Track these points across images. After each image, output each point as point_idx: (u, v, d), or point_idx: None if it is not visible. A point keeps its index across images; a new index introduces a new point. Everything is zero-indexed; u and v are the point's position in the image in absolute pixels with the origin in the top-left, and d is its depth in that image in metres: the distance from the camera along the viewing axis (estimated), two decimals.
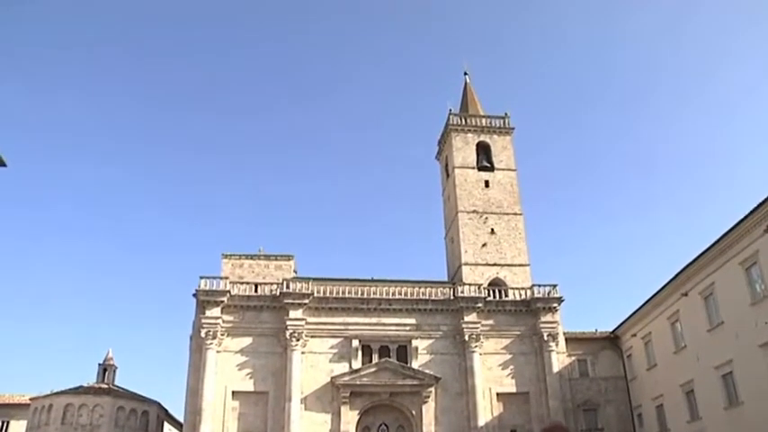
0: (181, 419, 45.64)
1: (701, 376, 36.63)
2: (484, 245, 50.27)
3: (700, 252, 35.91)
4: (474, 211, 51.82)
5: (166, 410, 52.75)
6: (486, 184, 53.39)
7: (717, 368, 34.86)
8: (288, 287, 43.94)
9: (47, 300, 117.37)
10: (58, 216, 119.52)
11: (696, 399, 37.59)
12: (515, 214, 52.37)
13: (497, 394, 44.15)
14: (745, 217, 31.60)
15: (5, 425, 55.56)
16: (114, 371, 51.22)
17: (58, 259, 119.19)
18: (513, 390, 44.54)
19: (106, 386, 49.08)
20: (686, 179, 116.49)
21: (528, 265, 50.36)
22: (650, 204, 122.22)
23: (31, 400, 49.27)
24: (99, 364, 50.94)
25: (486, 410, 43.25)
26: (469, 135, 55.42)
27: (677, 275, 38.76)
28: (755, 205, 30.62)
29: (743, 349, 32.33)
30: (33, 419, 46.87)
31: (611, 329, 48.37)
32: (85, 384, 49.00)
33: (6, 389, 59.00)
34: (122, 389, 49.92)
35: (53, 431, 45.15)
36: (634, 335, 45.42)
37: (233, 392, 42.03)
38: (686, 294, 38.04)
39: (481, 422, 42.46)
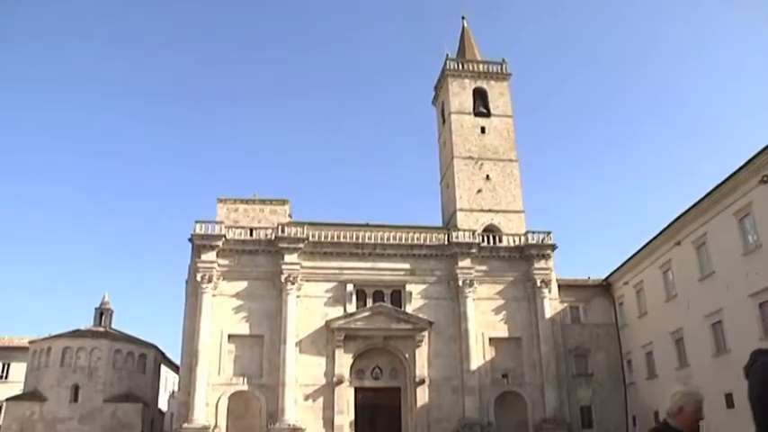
0: (178, 362, 46.25)
1: (690, 324, 37.14)
2: (479, 191, 50.17)
3: (694, 202, 35.97)
4: (469, 157, 51.56)
5: (163, 353, 53.48)
6: (483, 130, 52.96)
7: (706, 317, 35.36)
8: (283, 231, 44.02)
9: (43, 245, 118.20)
10: (54, 162, 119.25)
11: (685, 346, 38.22)
12: (511, 161, 52.15)
13: (490, 339, 44.71)
14: (740, 168, 31.57)
15: (6, 367, 56.46)
16: (111, 315, 51.72)
17: (55, 204, 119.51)
18: (506, 335, 45.08)
19: (103, 329, 49.61)
20: (684, 130, 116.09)
21: (522, 211, 50.40)
22: (646, 154, 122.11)
23: (30, 343, 49.86)
24: (95, 308, 51.39)
25: (479, 355, 43.90)
26: (466, 81, 54.75)
27: (671, 224, 38.92)
28: (750, 156, 30.57)
29: (733, 299, 32.75)
30: (33, 362, 47.51)
31: (603, 277, 48.71)
32: (83, 328, 49.52)
33: (6, 332, 59.83)
34: (119, 332, 50.48)
35: (53, 373, 45.82)
36: (626, 283, 45.80)
37: (229, 335, 42.52)
38: (679, 244, 38.23)
39: (473, 366, 43.14)
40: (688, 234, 37.42)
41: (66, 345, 46.68)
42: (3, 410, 47.26)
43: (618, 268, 46.63)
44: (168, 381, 57.56)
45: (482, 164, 51.34)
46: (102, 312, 51.17)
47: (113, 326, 51.25)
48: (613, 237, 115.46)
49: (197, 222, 43.95)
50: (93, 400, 45.26)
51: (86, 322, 50.82)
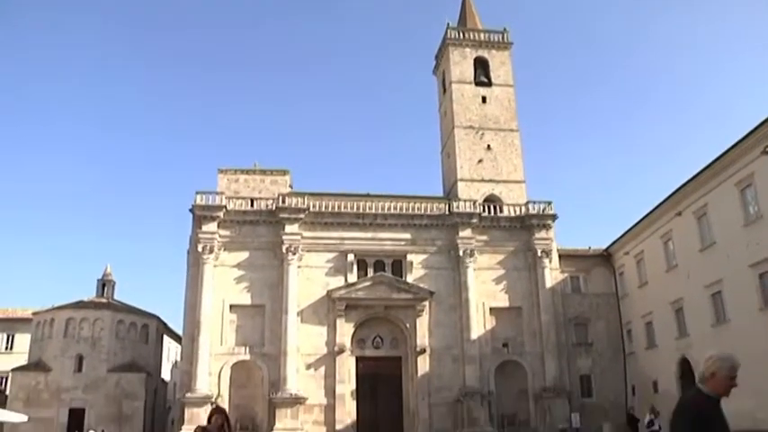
0: (180, 333, 46.55)
1: (690, 295, 37.20)
2: (480, 161, 49.86)
3: (696, 172, 35.86)
4: (470, 127, 51.15)
5: (165, 324, 53.85)
6: (484, 99, 52.45)
7: (706, 287, 35.40)
8: (283, 202, 43.95)
9: (45, 216, 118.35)
10: (54, 132, 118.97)
11: (685, 316, 38.31)
12: (512, 131, 51.72)
13: (490, 308, 44.83)
14: (742, 138, 31.41)
15: (11, 338, 56.92)
16: (113, 286, 52.01)
17: (56, 176, 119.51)
18: (506, 304, 45.18)
19: (105, 301, 49.94)
20: (687, 103, 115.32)
21: (523, 181, 50.14)
22: (649, 126, 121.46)
23: (33, 314, 50.23)
24: (98, 280, 51.66)
25: (480, 324, 44.05)
26: (467, 50, 54.11)
27: (672, 195, 38.81)
28: (753, 126, 30.39)
29: (733, 269, 32.76)
30: (37, 333, 47.94)
31: (604, 247, 48.67)
32: (85, 299, 49.84)
33: (9, 303, 60.24)
34: (122, 303, 50.80)
35: (56, 344, 46.26)
36: (626, 253, 45.78)
37: (230, 306, 42.65)
38: (680, 214, 38.14)
39: (474, 335, 43.32)
40: (689, 204, 37.33)
41: (69, 316, 47.07)
42: (9, 380, 47.80)
43: (618, 238, 46.59)
44: (171, 351, 58.08)
45: (483, 134, 50.94)
46: (105, 284, 51.47)
47: (116, 297, 51.59)
48: (614, 208, 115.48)
49: (197, 193, 43.89)
50: (97, 370, 45.77)
51: (89, 294, 51.20)
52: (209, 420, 8.37)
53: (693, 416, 5.46)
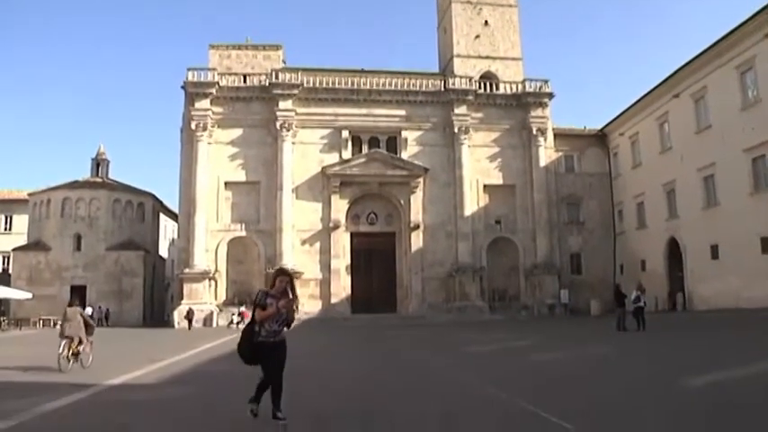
0: (176, 210, 46.92)
1: (683, 177, 37.44)
2: (477, 36, 48.62)
3: (696, 53, 35.28)
4: (468, 2, 49.47)
5: (161, 202, 54.14)
6: None
7: (699, 170, 35.62)
8: (277, 77, 43.22)
9: (36, 96, 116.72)
10: (43, 11, 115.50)
11: (676, 198, 38.75)
12: (510, 6, 50.13)
13: (484, 186, 45.10)
14: (746, 21, 30.74)
15: (9, 219, 57.41)
16: (107, 165, 51.99)
17: (46, 55, 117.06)
18: (500, 182, 45.41)
19: (100, 180, 50.06)
20: None
21: (520, 59, 49.15)
22: (650, 5, 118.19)
23: (29, 195, 50.42)
24: (92, 159, 51.54)
25: (473, 201, 44.44)
26: None
27: (671, 76, 38.41)
28: (757, 9, 29.66)
29: (727, 153, 32.85)
30: (34, 213, 48.36)
31: (599, 127, 48.44)
32: (80, 179, 49.93)
33: (5, 185, 60.44)
34: (117, 182, 50.90)
35: (54, 223, 46.80)
36: (622, 134, 45.65)
37: (225, 183, 42.82)
38: (677, 96, 37.83)
39: (467, 212, 43.81)
40: (688, 86, 36.98)
41: (65, 195, 47.39)
42: (11, 260, 48.61)
43: (614, 119, 46.34)
44: (167, 229, 58.67)
45: (481, 8, 49.33)
46: (99, 163, 51.43)
47: (110, 176, 51.66)
48: (611, 89, 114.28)
49: (189, 69, 43.08)
50: (96, 249, 46.53)
51: (83, 173, 51.21)
52: (272, 284, 7.45)
53: None
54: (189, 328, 37.41)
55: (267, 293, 7.31)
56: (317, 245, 42.98)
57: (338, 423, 7.60)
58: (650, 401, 8.30)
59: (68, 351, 13.53)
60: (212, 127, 42.76)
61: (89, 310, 43.75)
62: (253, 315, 7.31)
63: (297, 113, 43.29)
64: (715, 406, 7.90)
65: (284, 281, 7.36)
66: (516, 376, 11.99)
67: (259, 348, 7.18)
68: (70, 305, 14.59)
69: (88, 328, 14.26)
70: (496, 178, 45.44)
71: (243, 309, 38.95)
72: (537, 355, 16.00)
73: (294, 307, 7.29)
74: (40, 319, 41.73)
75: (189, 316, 38.53)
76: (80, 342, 13.83)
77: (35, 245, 46.87)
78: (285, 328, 7.38)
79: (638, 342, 18.75)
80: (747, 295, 30.44)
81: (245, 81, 43.96)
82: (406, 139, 44.67)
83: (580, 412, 7.48)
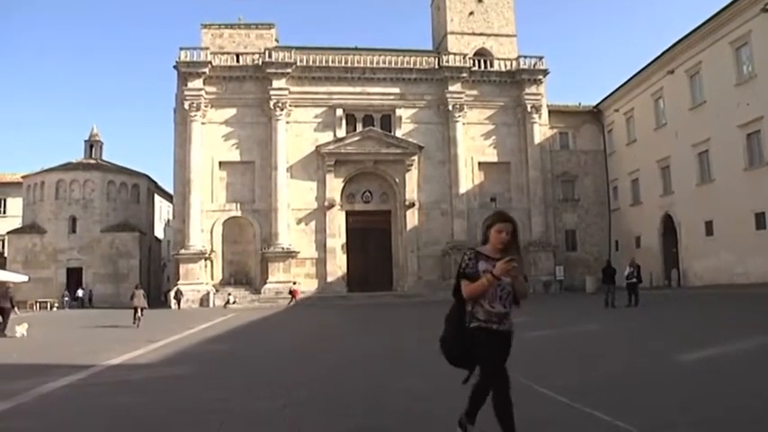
0: (171, 191, 46.83)
1: (677, 153, 37.54)
2: (471, 13, 48.06)
3: (691, 29, 35.12)
4: None
5: (156, 183, 54.01)
6: None
7: (694, 146, 35.70)
8: (270, 56, 42.94)
9: (28, 78, 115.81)
10: None
11: (671, 174, 38.85)
12: None
13: (479, 163, 45.08)
14: None
15: (3, 202, 57.31)
16: (101, 147, 51.79)
17: (39, 36, 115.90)
18: (495, 159, 45.38)
19: (94, 162, 49.85)
20: None
21: (515, 35, 48.67)
22: None
23: (23, 178, 50.28)
24: (85, 141, 51.31)
25: (468, 179, 44.48)
26: None
27: (665, 52, 38.35)
28: None
29: (721, 129, 32.89)
30: (28, 196, 48.22)
31: (594, 104, 48.33)
32: (74, 161, 49.71)
33: None
34: (111, 164, 50.70)
35: (48, 206, 46.69)
36: (617, 110, 45.59)
37: (220, 163, 42.72)
38: (672, 72, 37.76)
39: (462, 190, 43.87)
40: (682, 62, 36.92)
41: (59, 178, 47.21)
42: (6, 243, 48.54)
43: (609, 95, 46.24)
44: (162, 210, 58.65)
45: None
46: (92, 145, 51.23)
47: (104, 158, 51.44)
48: (606, 65, 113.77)
49: (181, 49, 42.79)
50: (91, 231, 46.49)
51: (77, 155, 50.95)
52: (484, 237, 4.82)
53: None
54: (178, 308, 37.81)
55: (478, 254, 4.70)
56: (313, 224, 43.04)
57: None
58: (641, 375, 8.41)
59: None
60: (206, 107, 42.54)
61: (80, 292, 44.35)
62: (457, 291, 4.77)
63: (290, 92, 43.06)
64: (698, 382, 8.01)
65: (506, 230, 4.66)
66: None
67: (479, 339, 4.65)
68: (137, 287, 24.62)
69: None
70: (491, 156, 45.39)
71: (294, 286, 39.41)
72: (532, 332, 16.07)
73: (521, 270, 4.66)
74: (36, 302, 41.84)
75: (177, 296, 38.75)
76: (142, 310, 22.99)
77: (30, 228, 46.80)
78: (514, 307, 4.79)
79: (627, 319, 18.63)
80: (741, 271, 30.74)
81: (237, 60, 43.66)
82: (400, 117, 44.53)
83: (571, 388, 7.57)
